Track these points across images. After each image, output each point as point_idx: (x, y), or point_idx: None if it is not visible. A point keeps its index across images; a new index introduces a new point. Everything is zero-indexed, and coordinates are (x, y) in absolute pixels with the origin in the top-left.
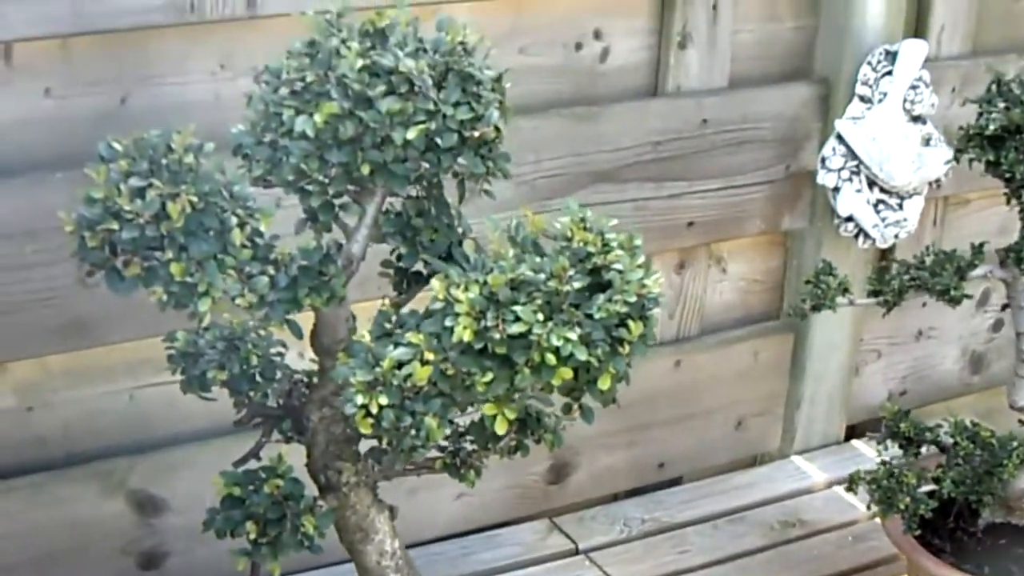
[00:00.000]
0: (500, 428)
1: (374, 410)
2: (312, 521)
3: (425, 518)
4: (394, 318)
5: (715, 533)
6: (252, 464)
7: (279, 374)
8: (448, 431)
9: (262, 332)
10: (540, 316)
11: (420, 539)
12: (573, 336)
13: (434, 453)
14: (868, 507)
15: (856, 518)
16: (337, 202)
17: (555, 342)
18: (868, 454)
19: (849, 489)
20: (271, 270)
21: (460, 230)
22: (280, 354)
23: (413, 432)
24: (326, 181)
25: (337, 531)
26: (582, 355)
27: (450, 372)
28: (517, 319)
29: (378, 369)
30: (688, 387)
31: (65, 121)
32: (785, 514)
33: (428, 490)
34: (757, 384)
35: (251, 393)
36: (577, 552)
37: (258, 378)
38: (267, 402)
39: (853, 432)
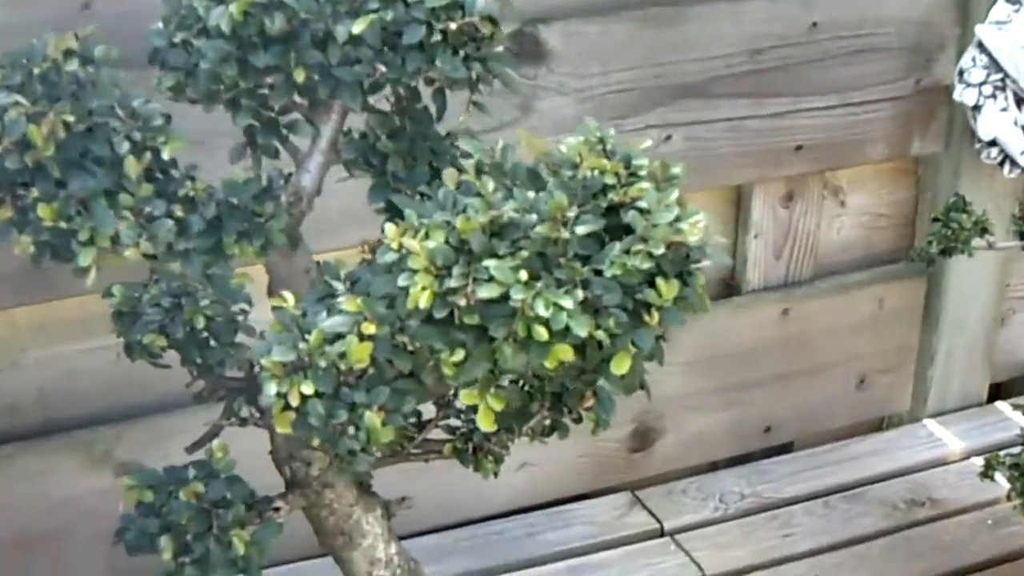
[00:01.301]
0: (484, 422)
1: (295, 401)
2: (243, 537)
3: (481, 492)
4: (344, 273)
5: (827, 513)
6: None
7: (239, 338)
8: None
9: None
10: (523, 274)
11: (475, 516)
12: (567, 303)
13: (442, 435)
14: (1008, 497)
15: (997, 496)
16: (283, 120)
17: (542, 311)
18: (1016, 419)
19: (985, 475)
20: (179, 211)
21: (449, 156)
22: (244, 312)
23: (351, 430)
24: (265, 92)
25: (316, 534)
26: (581, 328)
27: (410, 348)
28: (491, 278)
29: (303, 346)
30: (798, 339)
31: (14, 33)
32: (912, 491)
33: None
34: (882, 336)
35: (207, 361)
36: (662, 534)
37: (212, 343)
38: (226, 372)
39: (998, 392)
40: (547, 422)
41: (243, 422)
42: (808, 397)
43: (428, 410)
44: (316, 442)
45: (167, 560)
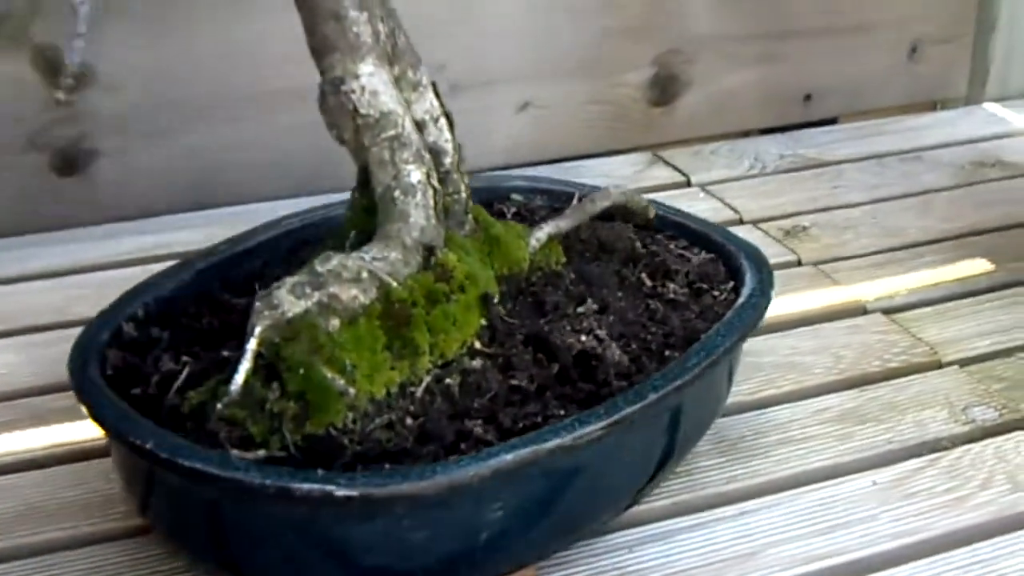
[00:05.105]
0: None
1: None
2: None
3: (475, 139)
4: None
5: (883, 171)
6: None
7: None
8: None
9: None
10: None
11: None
12: None
13: None
14: None
15: None
16: None
17: None
18: None
19: None
20: None
21: None
22: None
23: None
24: None
25: None
26: None
27: None
28: None
29: None
30: None
31: None
32: (979, 155)
33: (472, 89)
34: None
35: None
36: (689, 184)
37: None
38: None
39: None
40: None
41: None
42: (853, 63)
43: None
44: None
45: None
